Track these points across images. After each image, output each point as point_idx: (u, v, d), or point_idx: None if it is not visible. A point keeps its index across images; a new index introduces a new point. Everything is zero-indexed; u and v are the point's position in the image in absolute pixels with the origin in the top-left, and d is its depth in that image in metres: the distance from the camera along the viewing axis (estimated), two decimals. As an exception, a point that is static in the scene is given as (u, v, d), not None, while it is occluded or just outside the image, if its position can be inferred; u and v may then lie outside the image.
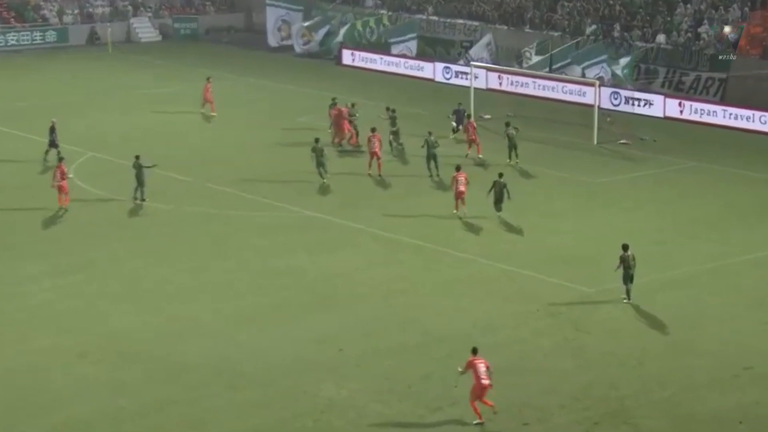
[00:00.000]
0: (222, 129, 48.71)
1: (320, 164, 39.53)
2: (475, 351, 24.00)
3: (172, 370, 25.92)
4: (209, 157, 44.14)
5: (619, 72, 52.27)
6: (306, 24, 65.66)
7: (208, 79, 51.10)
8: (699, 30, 53.18)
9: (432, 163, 40.64)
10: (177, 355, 26.62)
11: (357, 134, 44.88)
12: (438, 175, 40.60)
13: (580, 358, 26.55)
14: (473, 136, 43.31)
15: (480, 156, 43.02)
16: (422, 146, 41.01)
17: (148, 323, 28.52)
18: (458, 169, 36.98)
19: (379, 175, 40.95)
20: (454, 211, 36.43)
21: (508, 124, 42.85)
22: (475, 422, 23.43)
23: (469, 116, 44.82)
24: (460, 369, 24.03)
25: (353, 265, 32.54)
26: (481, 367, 23.54)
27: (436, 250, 33.68)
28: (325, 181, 39.62)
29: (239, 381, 25.42)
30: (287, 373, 25.80)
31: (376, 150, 40.93)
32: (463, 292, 30.51)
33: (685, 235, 35.01)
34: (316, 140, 40.35)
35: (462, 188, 36.24)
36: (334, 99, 46.93)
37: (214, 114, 50.00)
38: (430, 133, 41.10)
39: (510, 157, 42.25)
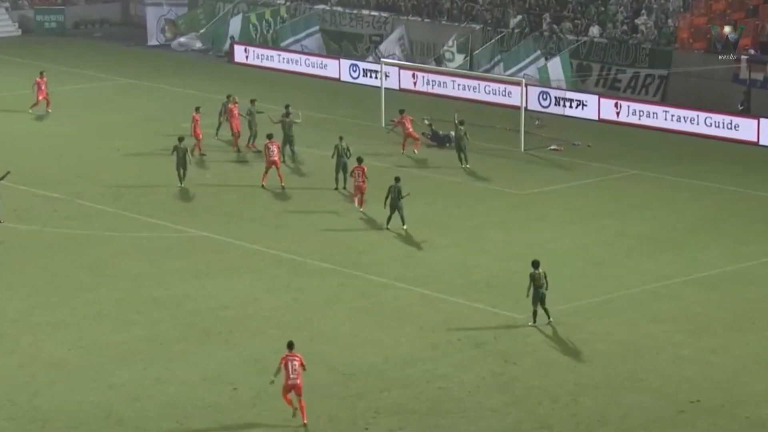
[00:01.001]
0: (94, 137, 48.25)
1: (181, 166, 40.66)
2: (290, 346, 25.49)
3: (36, 418, 25.50)
4: (79, 168, 43.69)
5: (558, 75, 52.70)
6: (173, 18, 65.85)
7: (41, 73, 51.11)
8: (636, 21, 54.06)
9: (341, 174, 40.79)
10: (40, 401, 26.19)
11: (255, 136, 45.07)
12: (345, 187, 40.68)
13: (509, 394, 26.72)
14: (410, 130, 45.02)
15: (413, 151, 44.87)
16: (332, 155, 41.06)
17: (4, 365, 28.02)
18: (359, 161, 38.52)
19: (282, 187, 40.97)
20: (359, 209, 38.28)
21: (462, 123, 43.67)
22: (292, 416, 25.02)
23: (402, 111, 45.72)
24: (273, 378, 25.31)
25: (250, 292, 32.39)
26: (292, 364, 25.05)
27: (346, 273, 33.68)
28: (182, 185, 40.79)
29: (114, 429, 25.09)
30: (170, 417, 25.55)
31: (275, 158, 40.97)
32: (375, 322, 30.54)
33: (623, 253, 35.48)
34: (180, 139, 41.03)
35: (361, 183, 37.98)
36: (229, 96, 46.90)
37: (49, 111, 50.65)
38: (341, 139, 41.23)
39: (461, 160, 43.53)
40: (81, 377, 27.38)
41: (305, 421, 25.04)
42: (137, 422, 25.32)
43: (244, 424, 25.39)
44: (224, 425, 25.32)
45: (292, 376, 25.04)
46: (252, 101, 46.12)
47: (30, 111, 50.86)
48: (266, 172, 41.16)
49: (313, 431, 25.03)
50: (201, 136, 44.79)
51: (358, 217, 38.16)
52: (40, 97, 50.75)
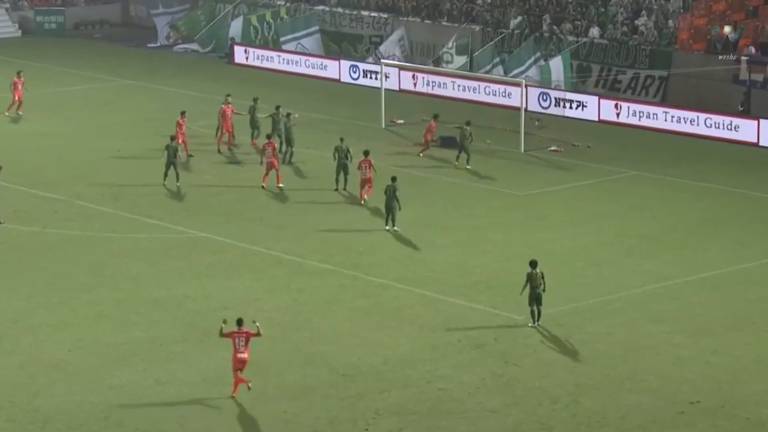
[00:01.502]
0: (94, 137, 48.22)
1: (173, 165, 40.78)
2: (239, 323, 26.41)
3: (36, 419, 25.47)
4: (79, 169, 43.66)
5: (559, 75, 52.70)
6: (170, 23, 65.95)
7: (18, 73, 50.93)
8: (636, 22, 54.06)
9: (342, 175, 40.78)
10: (40, 402, 26.16)
11: (256, 135, 45.21)
12: (345, 188, 40.69)
13: (509, 394, 26.69)
14: (426, 137, 45.41)
15: (418, 154, 45.20)
16: (334, 159, 41.00)
17: (4, 366, 27.98)
18: (366, 154, 39.16)
19: (280, 187, 40.96)
20: (361, 201, 38.91)
21: (468, 123, 43.92)
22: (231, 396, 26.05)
23: (436, 116, 45.79)
24: (223, 324, 26.55)
25: (250, 292, 32.36)
26: (239, 340, 26.14)
27: (345, 273, 33.66)
28: (177, 183, 40.99)
29: (114, 430, 25.06)
30: (170, 417, 25.51)
31: (273, 159, 40.97)
32: (375, 322, 30.51)
33: (623, 254, 35.46)
34: (172, 138, 41.26)
35: (368, 175, 38.82)
36: (227, 96, 46.96)
37: (20, 113, 50.28)
38: (341, 140, 41.22)
39: (457, 159, 43.87)
40: (81, 378, 27.35)
41: (235, 394, 26.06)
42: (137, 423, 25.29)
43: (244, 424, 25.35)
44: (224, 425, 25.28)
45: (240, 350, 26.04)
46: (255, 99, 46.25)
47: (19, 113, 50.59)
48: (266, 173, 41.15)
49: (314, 430, 25.07)
50: (182, 140, 44.46)
51: (359, 215, 38.12)
52: (16, 97, 50.57)
